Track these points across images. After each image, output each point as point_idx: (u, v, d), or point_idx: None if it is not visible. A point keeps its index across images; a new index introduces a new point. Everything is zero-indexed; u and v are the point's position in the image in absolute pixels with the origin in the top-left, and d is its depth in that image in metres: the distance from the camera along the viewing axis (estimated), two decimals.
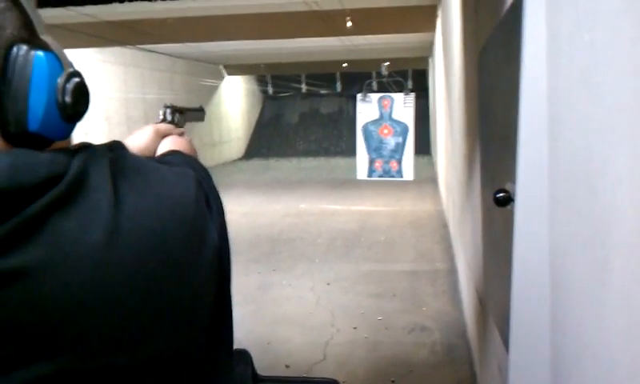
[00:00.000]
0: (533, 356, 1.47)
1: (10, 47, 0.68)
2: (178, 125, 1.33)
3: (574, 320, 1.24)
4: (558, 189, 1.34)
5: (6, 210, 0.62)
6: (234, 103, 21.50)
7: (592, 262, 1.09)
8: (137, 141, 1.18)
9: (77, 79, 0.75)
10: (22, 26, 0.71)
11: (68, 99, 0.73)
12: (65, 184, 0.66)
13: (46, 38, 0.74)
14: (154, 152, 1.19)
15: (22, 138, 0.69)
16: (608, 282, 1.01)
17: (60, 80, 0.72)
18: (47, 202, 0.64)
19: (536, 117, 1.43)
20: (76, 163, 0.68)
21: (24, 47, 0.69)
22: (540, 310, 1.43)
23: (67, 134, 0.76)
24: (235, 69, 20.03)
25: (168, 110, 1.34)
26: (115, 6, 7.23)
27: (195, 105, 1.58)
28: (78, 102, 0.74)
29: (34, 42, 0.71)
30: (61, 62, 0.73)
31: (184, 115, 1.37)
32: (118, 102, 13.27)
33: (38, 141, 0.71)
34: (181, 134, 1.27)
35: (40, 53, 0.70)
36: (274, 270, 6.75)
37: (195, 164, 0.93)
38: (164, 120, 1.32)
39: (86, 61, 11.45)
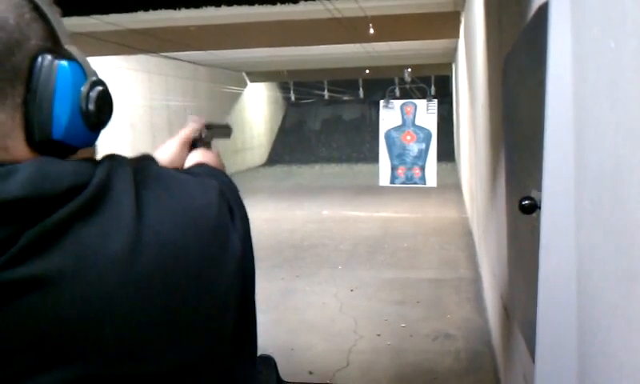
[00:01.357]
0: (559, 365, 1.46)
1: (35, 57, 0.70)
2: (205, 140, 1.35)
3: (601, 329, 1.23)
4: (585, 196, 1.33)
5: (29, 217, 0.63)
6: (257, 110, 21.60)
7: (619, 270, 1.08)
8: (164, 154, 1.20)
9: (100, 87, 0.76)
10: (47, 37, 0.72)
11: (92, 107, 0.74)
12: (88, 193, 0.66)
13: (70, 47, 0.75)
14: (182, 163, 1.20)
15: (47, 146, 0.70)
16: (635, 292, 1.00)
17: (84, 89, 0.73)
18: (70, 211, 0.65)
19: (562, 124, 1.42)
20: (99, 173, 0.69)
21: (48, 57, 0.70)
22: (566, 318, 1.42)
23: (91, 141, 0.77)
24: (258, 76, 20.13)
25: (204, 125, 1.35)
26: (138, 14, 7.30)
27: (222, 116, 1.60)
28: (101, 110, 0.75)
29: (58, 52, 0.72)
30: (84, 71, 0.75)
31: (211, 131, 1.39)
32: (143, 109, 13.40)
33: (62, 149, 0.72)
34: (208, 147, 1.29)
35: (64, 62, 0.71)
36: (297, 277, 6.76)
37: (220, 175, 0.93)
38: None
39: (111, 68, 11.59)
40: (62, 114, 0.71)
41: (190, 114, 1.38)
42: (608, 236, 1.15)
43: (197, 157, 1.20)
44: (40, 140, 0.70)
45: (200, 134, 1.34)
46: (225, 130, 1.58)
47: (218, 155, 1.27)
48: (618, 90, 1.06)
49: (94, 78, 0.76)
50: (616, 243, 1.10)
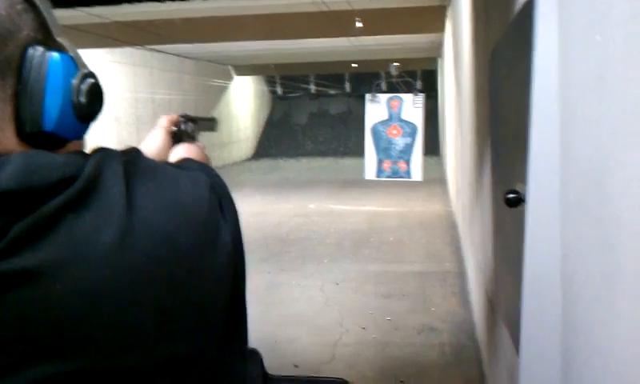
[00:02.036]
0: (543, 358, 1.47)
1: (26, 48, 0.69)
2: (190, 134, 1.34)
3: (585, 322, 1.23)
4: (570, 190, 1.33)
5: (19, 210, 0.62)
6: (243, 103, 21.53)
7: (603, 264, 1.09)
8: (150, 145, 1.19)
9: (91, 80, 0.76)
10: (38, 28, 0.72)
11: (83, 99, 0.74)
12: (78, 185, 0.66)
13: (62, 39, 0.75)
14: (167, 155, 1.20)
15: (38, 138, 0.70)
16: (619, 285, 1.01)
17: (75, 81, 0.73)
18: (61, 203, 0.64)
19: (547, 117, 1.43)
20: (90, 165, 0.69)
21: (40, 48, 0.70)
22: (551, 311, 1.43)
23: (82, 133, 0.77)
24: (244, 69, 20.06)
25: (181, 119, 1.35)
26: (124, 6, 7.25)
27: (208, 109, 1.61)
28: (92, 102, 0.75)
29: (50, 44, 0.72)
30: (76, 63, 0.75)
31: (196, 124, 1.39)
32: (127, 102, 13.32)
33: (52, 140, 0.72)
34: (194, 140, 1.29)
35: (55, 54, 0.71)
36: (282, 270, 6.76)
37: (208, 170, 0.93)
38: (178, 129, 1.33)
39: (96, 61, 11.50)
40: (52, 106, 0.70)
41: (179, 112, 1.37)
42: (593, 230, 1.16)
43: (181, 151, 1.19)
44: (30, 132, 0.69)
45: (185, 128, 1.33)
46: (210, 123, 1.58)
47: (203, 149, 1.26)
48: (604, 83, 1.07)
49: (85, 70, 0.76)
50: (601, 237, 1.10)
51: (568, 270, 1.36)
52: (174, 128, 1.32)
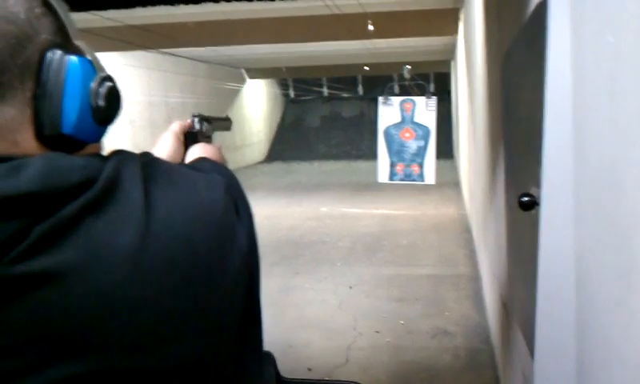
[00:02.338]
0: (558, 361, 1.46)
1: (45, 52, 0.70)
2: (205, 133, 1.35)
3: (600, 325, 1.23)
4: (584, 193, 1.32)
5: (39, 212, 0.63)
6: (256, 107, 21.58)
7: (618, 266, 1.08)
8: (162, 150, 1.20)
9: (109, 83, 0.76)
10: (57, 32, 0.72)
11: (101, 103, 0.75)
12: (98, 188, 0.67)
13: (80, 42, 0.76)
14: (180, 157, 1.20)
15: (56, 141, 0.71)
16: (634, 287, 1.00)
17: (93, 84, 0.74)
18: (80, 205, 0.65)
19: (561, 120, 1.42)
20: (109, 167, 0.70)
21: (58, 52, 0.71)
22: (565, 314, 1.42)
23: (100, 136, 0.78)
24: (257, 72, 20.10)
25: (196, 119, 1.36)
26: (137, 10, 7.29)
27: (221, 113, 1.61)
28: (110, 105, 0.76)
29: (68, 47, 0.73)
30: (94, 67, 0.75)
31: (211, 124, 1.39)
32: (142, 105, 13.38)
33: (71, 143, 0.72)
34: (209, 140, 1.29)
35: (74, 57, 0.72)
36: (296, 273, 6.76)
37: (224, 171, 0.93)
38: (193, 129, 1.34)
39: (110, 65, 11.54)
40: (71, 109, 0.71)
41: (193, 111, 1.38)
42: (607, 231, 1.15)
43: (198, 151, 1.20)
44: (49, 135, 0.70)
45: (200, 127, 1.34)
46: (225, 123, 1.58)
47: (220, 149, 1.27)
48: (617, 84, 1.06)
49: (103, 74, 0.77)
50: (615, 239, 1.09)
51: (582, 271, 1.35)
52: (191, 129, 1.33)
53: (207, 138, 1.35)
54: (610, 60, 1.10)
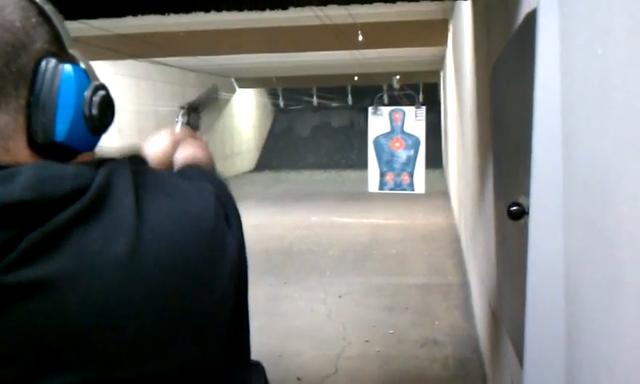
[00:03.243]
0: (547, 370, 1.46)
1: (40, 60, 0.70)
2: (194, 125, 1.33)
3: (589, 334, 1.23)
4: (573, 202, 1.33)
5: (30, 220, 0.63)
6: (246, 116, 21.57)
7: (607, 275, 1.09)
8: (154, 148, 1.19)
9: (103, 92, 0.77)
10: (52, 40, 0.73)
11: (94, 112, 0.75)
12: (89, 196, 0.67)
13: (74, 51, 0.76)
14: (171, 159, 1.19)
15: (49, 149, 0.71)
16: (623, 295, 1.01)
17: (87, 93, 0.74)
18: (71, 214, 0.65)
19: (550, 130, 1.43)
20: (100, 176, 0.69)
21: (53, 60, 0.71)
22: (555, 324, 1.42)
23: (93, 145, 0.78)
24: (247, 82, 20.10)
25: (183, 112, 1.33)
26: (127, 19, 7.28)
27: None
28: (104, 114, 0.76)
29: (63, 56, 0.73)
30: (88, 76, 0.76)
31: (199, 110, 1.37)
32: (131, 114, 13.35)
33: (64, 152, 0.72)
34: (196, 129, 1.28)
35: (68, 66, 0.72)
36: (285, 283, 6.75)
37: (214, 178, 0.94)
38: (182, 122, 1.31)
39: (99, 73, 11.50)
40: (65, 118, 0.71)
41: (181, 103, 1.34)
42: (596, 241, 1.16)
43: (187, 148, 1.18)
44: (42, 143, 0.70)
45: (188, 120, 1.31)
46: (211, 96, 1.51)
47: (207, 145, 1.26)
48: (606, 95, 1.07)
49: (96, 83, 0.77)
50: (604, 248, 1.10)
51: (571, 281, 1.36)
52: (179, 123, 1.31)
53: (196, 128, 1.32)
54: (599, 71, 1.11)
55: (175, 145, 1.22)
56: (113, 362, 0.65)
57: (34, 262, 0.62)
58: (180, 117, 1.32)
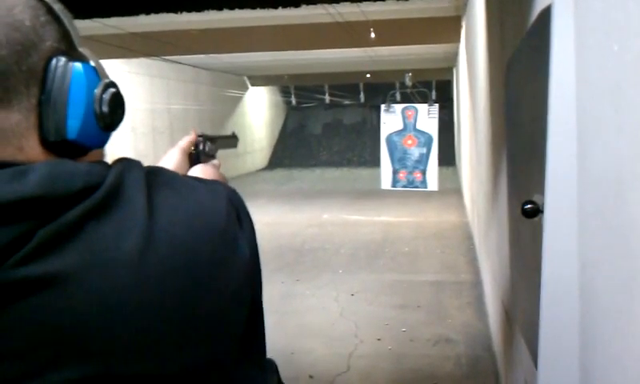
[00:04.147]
0: (562, 369, 1.46)
1: (50, 59, 0.71)
2: (209, 153, 1.36)
3: (604, 332, 1.22)
4: (588, 201, 1.32)
5: (43, 216, 0.63)
6: (258, 114, 21.62)
7: (622, 274, 1.08)
8: (168, 163, 1.22)
9: (113, 89, 0.77)
10: (61, 39, 0.73)
11: (105, 109, 0.75)
12: (101, 193, 0.67)
13: (84, 49, 0.77)
14: (185, 173, 1.22)
15: (60, 147, 0.72)
16: (638, 296, 1.00)
17: (97, 90, 0.75)
18: (83, 210, 0.65)
19: (565, 128, 1.42)
20: (112, 174, 0.70)
21: (63, 59, 0.72)
22: (569, 323, 1.42)
23: (104, 142, 0.79)
24: (259, 80, 20.15)
25: (200, 139, 1.36)
26: (140, 17, 7.31)
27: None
28: (114, 111, 0.77)
29: (73, 54, 0.74)
30: (98, 73, 0.76)
31: (215, 143, 1.40)
32: (144, 112, 13.41)
33: (75, 149, 0.73)
34: (212, 159, 1.31)
35: (78, 64, 0.73)
36: (297, 281, 6.76)
37: (226, 184, 0.94)
38: (196, 149, 1.34)
39: (113, 72, 11.57)
40: (75, 116, 0.72)
41: (197, 131, 1.38)
42: (611, 240, 1.15)
43: (197, 172, 1.21)
44: (54, 141, 0.71)
45: (203, 148, 1.34)
46: (230, 141, 1.58)
47: (219, 167, 1.28)
48: (621, 93, 1.06)
49: (107, 80, 0.77)
50: (619, 247, 1.09)
51: (586, 280, 1.35)
52: (192, 149, 1.34)
53: (211, 157, 1.36)
54: (614, 69, 1.10)
55: (184, 156, 1.25)
56: (121, 357, 0.65)
57: (46, 256, 0.63)
58: (195, 143, 1.35)
